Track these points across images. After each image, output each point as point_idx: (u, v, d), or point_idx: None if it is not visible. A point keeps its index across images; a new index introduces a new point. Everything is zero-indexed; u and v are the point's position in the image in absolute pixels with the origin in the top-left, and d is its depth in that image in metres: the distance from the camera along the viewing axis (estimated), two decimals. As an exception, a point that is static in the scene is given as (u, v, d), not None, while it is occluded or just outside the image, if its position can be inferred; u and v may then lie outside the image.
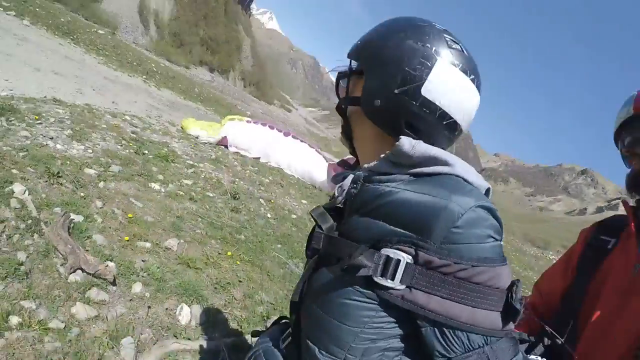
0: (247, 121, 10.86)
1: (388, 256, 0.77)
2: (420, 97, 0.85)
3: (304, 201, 8.24)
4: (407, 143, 0.84)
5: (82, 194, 3.70)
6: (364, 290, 0.82)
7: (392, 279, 0.77)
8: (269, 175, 9.14)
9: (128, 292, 2.71)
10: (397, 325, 0.83)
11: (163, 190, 4.90)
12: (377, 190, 0.85)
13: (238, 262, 3.96)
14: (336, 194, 0.96)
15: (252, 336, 1.36)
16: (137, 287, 2.78)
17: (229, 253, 4.06)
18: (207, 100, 20.60)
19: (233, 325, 2.99)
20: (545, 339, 1.28)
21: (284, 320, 1.26)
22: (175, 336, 2.52)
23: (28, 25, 13.14)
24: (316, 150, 11.45)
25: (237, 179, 7.30)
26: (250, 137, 10.37)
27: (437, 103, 0.86)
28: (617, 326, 1.19)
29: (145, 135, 7.37)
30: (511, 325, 0.77)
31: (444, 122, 0.88)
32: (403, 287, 0.77)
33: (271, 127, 11.07)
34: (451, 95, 0.86)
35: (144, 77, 15.84)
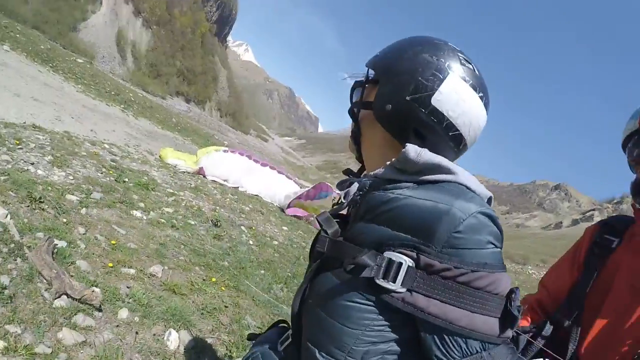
0: (224, 150, 10.95)
1: (390, 259, 0.79)
2: (430, 105, 0.89)
3: (284, 228, 8.22)
4: (412, 150, 0.86)
5: (64, 220, 3.63)
6: (366, 293, 0.83)
7: (394, 281, 0.78)
8: (248, 203, 9.11)
9: (114, 318, 2.64)
10: (397, 328, 0.84)
11: (145, 217, 4.84)
12: (382, 197, 0.87)
13: (223, 288, 3.91)
14: (342, 200, 0.98)
15: (248, 339, 1.36)
16: (124, 313, 2.71)
17: (214, 279, 4.01)
18: (185, 130, 20.54)
19: (222, 349, 2.93)
20: (548, 326, 1.33)
21: (281, 324, 1.26)
22: (165, 361, 2.47)
23: (8, 50, 13.03)
24: (293, 180, 11.55)
25: (217, 207, 7.25)
26: (226, 167, 10.41)
27: (445, 113, 0.90)
28: (627, 322, 1.24)
29: (125, 163, 7.30)
30: (509, 332, 0.78)
31: (450, 134, 0.92)
32: (404, 290, 0.78)
33: (248, 157, 11.18)
34: (459, 108, 0.90)
35: (122, 106, 15.74)
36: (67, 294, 2.48)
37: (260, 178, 10.88)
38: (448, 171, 0.86)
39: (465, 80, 0.90)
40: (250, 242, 6.05)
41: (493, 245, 0.79)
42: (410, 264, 0.78)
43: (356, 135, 1.08)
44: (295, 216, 9.83)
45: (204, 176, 10.00)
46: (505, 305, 0.77)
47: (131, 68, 44.36)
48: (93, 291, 2.57)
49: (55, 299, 2.44)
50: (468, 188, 0.86)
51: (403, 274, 0.77)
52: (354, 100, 1.08)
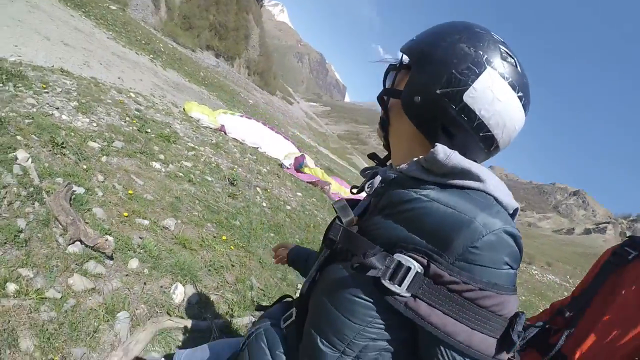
0: (240, 116, 11.19)
1: (400, 262, 0.78)
2: (462, 102, 0.84)
3: (299, 193, 8.28)
4: (442, 151, 0.82)
5: (84, 167, 3.71)
6: (372, 291, 0.83)
7: (400, 284, 0.77)
8: (266, 164, 9.17)
9: (124, 267, 2.74)
10: (397, 328, 0.85)
11: (163, 170, 4.92)
12: (405, 195, 0.85)
13: (232, 247, 4.00)
14: (366, 189, 0.98)
15: (256, 310, 1.40)
16: (134, 263, 2.81)
17: (224, 237, 4.10)
18: (211, 85, 20.46)
19: (224, 307, 3.03)
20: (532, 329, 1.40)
21: (286, 299, 1.28)
22: (169, 313, 2.56)
23: (41, -8, 13.01)
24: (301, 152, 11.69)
25: (235, 166, 7.32)
26: (244, 129, 10.60)
27: (478, 112, 0.84)
28: (627, 336, 1.26)
29: (149, 114, 7.36)
30: (503, 355, 0.76)
31: (481, 134, 0.87)
32: (408, 295, 0.77)
33: (263, 124, 11.48)
34: (494, 107, 0.84)
35: (151, 56, 15.70)
36: (81, 241, 2.57)
37: (275, 143, 11.08)
38: (477, 178, 0.81)
39: (504, 77, 0.84)
40: (264, 205, 6.13)
41: (509, 267, 0.76)
42: (419, 270, 0.77)
43: (384, 123, 1.03)
44: (310, 182, 9.89)
45: (225, 133, 10.07)
46: (507, 328, 0.75)
47: (164, 18, 43.90)
48: (106, 240, 2.65)
49: (69, 244, 2.53)
50: (495, 199, 0.81)
51: (410, 279, 0.77)
52: (386, 86, 1.03)
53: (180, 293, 2.79)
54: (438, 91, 0.85)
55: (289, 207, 6.79)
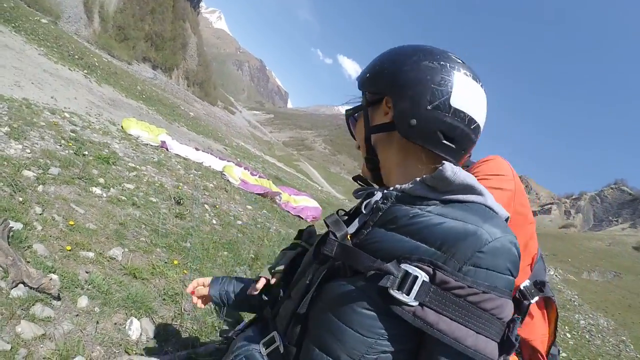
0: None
1: (407, 271, 0.80)
2: (451, 108, 0.92)
3: (249, 207, 8.18)
4: (449, 169, 0.88)
5: (20, 199, 3.48)
6: (380, 303, 0.84)
7: (408, 294, 0.79)
8: (212, 179, 9.00)
9: (74, 306, 2.58)
10: (405, 339, 0.86)
11: (104, 195, 4.70)
12: (410, 211, 0.89)
13: (185, 271, 3.88)
14: (363, 210, 0.99)
15: (220, 336, 1.37)
16: (83, 301, 2.65)
17: (176, 262, 3.97)
18: (150, 99, 19.85)
19: (185, 337, 2.92)
20: None
21: (253, 322, 1.27)
22: (127, 352, 2.43)
23: (-34, 9, 12.16)
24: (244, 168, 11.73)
25: (180, 184, 7.12)
26: (185, 148, 10.52)
27: (465, 110, 0.93)
28: None
29: (85, 134, 7.02)
30: (502, 358, 0.80)
31: (472, 127, 0.96)
32: (416, 303, 0.79)
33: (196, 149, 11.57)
34: (473, 101, 0.94)
35: (86, 71, 14.99)
36: (24, 283, 2.39)
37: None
38: (479, 193, 0.89)
39: (467, 75, 0.95)
40: (214, 222, 6.00)
41: (510, 273, 0.81)
42: (425, 279, 0.79)
43: (373, 162, 1.07)
44: (260, 194, 9.82)
45: (167, 150, 9.80)
46: (505, 332, 0.79)
47: (97, 30, 42.12)
48: (51, 279, 2.49)
49: (12, 288, 2.35)
50: (492, 210, 0.89)
51: (417, 287, 0.79)
52: (354, 130, 1.12)
53: (136, 328, 2.66)
54: (428, 107, 0.93)
55: (240, 222, 6.69)
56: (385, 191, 0.97)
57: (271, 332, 1.08)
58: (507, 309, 0.80)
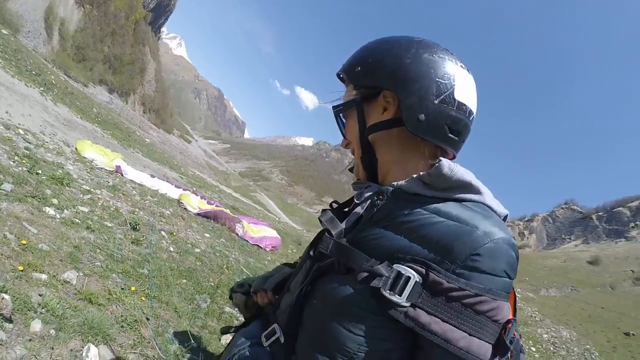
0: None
1: (399, 272, 0.78)
2: (455, 101, 0.91)
3: (206, 235, 8.01)
4: (446, 166, 0.85)
5: (-30, 215, 3.25)
6: (372, 303, 0.82)
7: (400, 294, 0.78)
8: (169, 206, 8.78)
9: (27, 330, 2.39)
10: (398, 338, 0.84)
11: (58, 216, 4.47)
12: (405, 208, 0.86)
13: (143, 298, 3.71)
14: (356, 200, 0.96)
15: (222, 333, 1.28)
16: (37, 325, 2.46)
17: (133, 288, 3.78)
18: (105, 122, 19.24)
19: (145, 367, 2.78)
20: None
21: (252, 318, 1.21)
22: (85, 380, 2.28)
23: None
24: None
25: (136, 209, 6.90)
26: (140, 175, 10.31)
27: (466, 103, 0.93)
28: None
29: (39, 153, 6.72)
30: None
31: (471, 118, 0.95)
32: (408, 304, 0.78)
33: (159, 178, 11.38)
34: (470, 92, 0.94)
35: (42, 89, 14.39)
36: (-26, 303, 2.21)
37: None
38: (477, 191, 0.87)
39: (462, 67, 0.94)
40: (171, 249, 5.82)
41: (506, 275, 0.79)
42: (418, 280, 0.78)
43: (370, 160, 1.02)
44: (219, 222, 9.66)
45: (122, 175, 9.51)
46: (500, 334, 0.77)
47: (56, 48, 40.79)
48: (3, 298, 2.32)
49: (-39, 308, 2.17)
50: (490, 208, 0.86)
51: (410, 288, 0.77)
52: (345, 128, 1.07)
53: (93, 356, 2.49)
54: (435, 101, 0.90)
55: (198, 250, 6.51)
56: (382, 188, 0.94)
57: (272, 324, 1.05)
58: (503, 312, 0.79)
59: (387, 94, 0.95)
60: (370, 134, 0.99)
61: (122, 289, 3.69)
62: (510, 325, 0.79)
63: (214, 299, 4.65)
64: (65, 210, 4.75)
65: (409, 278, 0.78)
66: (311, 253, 0.99)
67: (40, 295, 2.83)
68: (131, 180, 9.58)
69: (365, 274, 0.82)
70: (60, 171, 6.30)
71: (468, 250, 0.76)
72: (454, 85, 0.91)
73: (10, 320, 2.33)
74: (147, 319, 3.37)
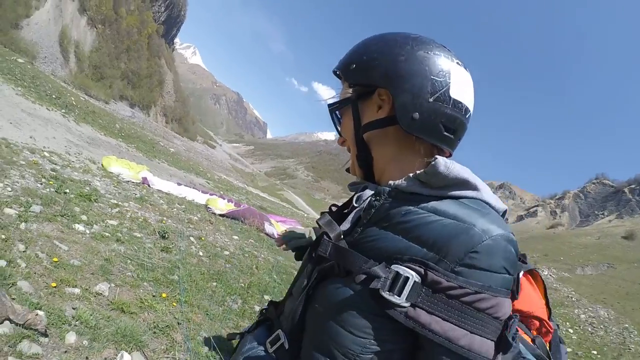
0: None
1: (397, 272, 0.78)
2: (451, 99, 0.89)
3: (235, 237, 8.10)
4: (442, 164, 0.84)
5: (2, 236, 3.40)
6: (372, 304, 0.82)
7: (399, 295, 0.77)
8: (197, 212, 8.92)
9: (62, 343, 2.49)
10: (400, 338, 0.84)
11: (88, 231, 4.61)
12: (403, 209, 0.86)
13: (174, 304, 3.80)
14: (354, 203, 0.95)
15: (228, 339, 1.29)
16: (71, 337, 2.56)
17: (164, 295, 3.89)
18: (129, 136, 19.72)
19: (178, 370, 2.85)
20: None
21: (259, 323, 1.21)
22: (120, 387, 2.36)
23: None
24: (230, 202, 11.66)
25: (164, 218, 7.04)
26: (167, 184, 10.50)
27: (462, 100, 0.91)
28: None
29: (66, 173, 6.93)
30: (500, 357, 0.77)
31: (467, 116, 0.93)
32: (408, 304, 0.78)
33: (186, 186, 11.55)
34: (466, 89, 0.93)
35: (63, 111, 14.85)
36: (9, 319, 2.31)
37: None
38: (474, 187, 0.86)
39: (458, 64, 0.93)
40: (201, 254, 5.92)
41: (506, 271, 0.78)
42: (417, 280, 0.77)
43: (366, 159, 1.00)
44: (248, 222, 9.79)
45: (149, 186, 9.72)
46: (502, 331, 0.77)
47: (74, 70, 42.14)
48: (37, 314, 2.41)
49: (-2, 325, 2.27)
50: (489, 204, 0.86)
51: (409, 288, 0.77)
52: (340, 125, 1.05)
53: (127, 362, 2.58)
54: (430, 99, 0.88)
55: (227, 253, 6.61)
56: (378, 188, 0.93)
57: (276, 330, 1.05)
58: (504, 308, 0.78)
59: (381, 92, 0.93)
60: (365, 132, 0.98)
61: (154, 296, 3.79)
62: (512, 321, 0.78)
63: (245, 299, 4.72)
64: (94, 225, 4.90)
65: (407, 278, 0.77)
66: (312, 256, 0.98)
67: (73, 308, 2.94)
68: (158, 190, 9.78)
69: (364, 276, 0.81)
70: (88, 188, 6.50)
71: (466, 248, 0.76)
72: (450, 82, 0.89)
73: (45, 335, 2.43)
74: (179, 324, 3.45)
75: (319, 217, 1.01)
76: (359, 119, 0.98)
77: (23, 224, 3.87)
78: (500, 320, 0.78)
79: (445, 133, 0.92)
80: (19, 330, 2.34)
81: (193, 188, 11.80)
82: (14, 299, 2.60)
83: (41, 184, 5.45)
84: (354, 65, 0.96)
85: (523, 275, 1.38)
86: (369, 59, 0.94)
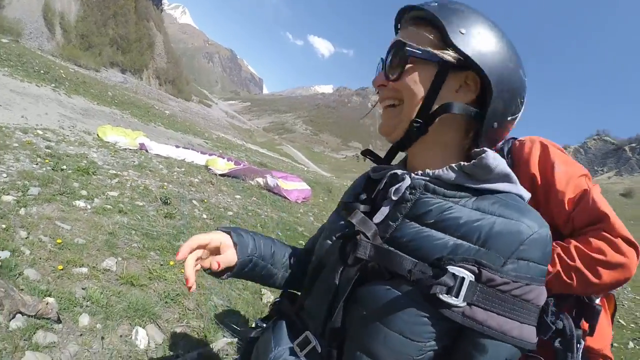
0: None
1: (454, 274, 0.77)
2: (514, 125, 0.92)
3: (237, 196, 8.15)
4: (492, 157, 0.84)
5: (3, 226, 3.40)
6: (427, 306, 0.81)
7: (456, 296, 0.77)
8: (197, 174, 8.92)
9: (76, 326, 2.55)
10: (446, 338, 0.84)
11: (89, 206, 4.62)
12: (443, 205, 0.84)
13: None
14: (392, 196, 0.89)
15: (239, 340, 1.24)
16: (85, 319, 2.61)
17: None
18: (122, 103, 19.35)
19: (193, 337, 2.93)
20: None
21: (268, 318, 1.18)
22: (137, 363, 2.43)
23: None
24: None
25: (165, 183, 7.05)
26: (165, 148, 10.42)
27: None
28: None
29: (61, 148, 6.87)
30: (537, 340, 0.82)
31: None
32: (464, 304, 0.78)
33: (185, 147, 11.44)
34: None
35: (53, 85, 14.51)
36: (21, 312, 2.35)
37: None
38: (513, 181, 0.87)
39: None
40: (204, 216, 5.97)
41: (545, 262, 0.82)
42: (472, 279, 0.77)
43: (419, 129, 0.89)
44: (234, 176, 9.88)
45: (147, 151, 9.67)
46: (541, 315, 0.82)
47: (60, 42, 41.18)
48: (47, 303, 2.45)
49: (10, 320, 2.30)
50: (522, 197, 0.87)
51: (465, 288, 0.77)
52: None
53: (142, 337, 2.65)
54: (509, 118, 0.89)
55: (231, 213, 6.67)
56: (414, 177, 0.89)
57: (302, 331, 1.00)
58: (543, 295, 0.82)
59: (473, 77, 0.86)
60: (441, 105, 0.87)
61: (161, 265, 3.85)
62: (547, 305, 0.84)
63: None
64: (95, 199, 4.90)
65: (463, 278, 0.77)
66: (344, 254, 0.92)
67: (83, 289, 2.98)
68: (157, 154, 9.74)
69: (418, 279, 0.79)
70: (85, 161, 6.46)
71: (516, 242, 0.78)
72: (521, 110, 0.91)
73: (59, 321, 2.48)
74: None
75: (345, 212, 0.96)
76: (438, 89, 0.87)
77: (22, 209, 3.86)
78: (539, 306, 0.81)
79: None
80: (32, 321, 2.39)
81: (192, 149, 11.73)
82: (22, 289, 2.63)
83: (37, 164, 5.41)
84: (464, 31, 0.84)
85: (600, 300, 1.33)
86: (486, 39, 0.85)
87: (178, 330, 2.95)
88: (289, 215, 8.01)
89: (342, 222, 1.00)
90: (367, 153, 1.07)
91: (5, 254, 2.95)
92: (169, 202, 5.87)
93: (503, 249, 0.78)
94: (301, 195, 10.37)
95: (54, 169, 5.42)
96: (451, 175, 0.87)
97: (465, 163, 0.86)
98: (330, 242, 1.00)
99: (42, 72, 16.57)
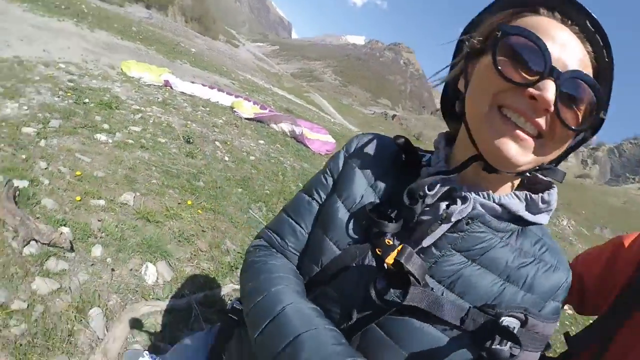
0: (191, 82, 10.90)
1: (507, 325, 0.74)
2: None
3: (261, 141, 8.08)
4: (554, 192, 0.81)
5: (23, 156, 3.44)
6: (476, 351, 0.77)
7: (505, 345, 0.75)
8: (222, 115, 8.84)
9: (88, 256, 2.60)
10: None
11: (110, 140, 4.63)
12: (490, 239, 0.76)
13: (200, 211, 3.88)
14: (454, 218, 0.75)
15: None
16: (97, 250, 2.66)
17: (189, 202, 3.96)
18: (147, 39, 19.04)
19: (201, 278, 2.97)
20: None
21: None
22: (144, 298, 2.47)
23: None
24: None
25: (188, 122, 7.01)
26: (190, 86, 10.26)
27: None
28: None
29: (84, 82, 6.84)
30: None
31: None
32: (507, 348, 0.76)
33: (211, 87, 11.09)
34: None
35: (75, 20, 14.27)
36: (35, 240, 2.39)
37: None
38: (551, 211, 0.83)
39: None
40: (226, 159, 5.95)
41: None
42: (518, 326, 0.75)
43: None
44: (259, 120, 9.75)
45: (172, 88, 9.59)
46: None
47: (81, -26, 40.60)
48: (61, 234, 2.48)
49: (24, 246, 2.36)
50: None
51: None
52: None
53: (152, 273, 2.69)
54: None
55: (253, 158, 6.63)
56: (476, 200, 0.76)
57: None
58: None
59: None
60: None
61: (179, 203, 3.87)
62: None
63: (269, 206, 4.79)
64: (117, 134, 4.91)
65: (514, 328, 0.75)
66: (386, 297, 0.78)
67: (99, 220, 3.02)
68: (181, 92, 9.65)
69: (471, 330, 0.75)
70: (108, 95, 6.44)
71: (555, 289, 0.79)
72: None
73: (71, 250, 2.52)
74: (203, 232, 3.54)
75: (392, 249, 0.75)
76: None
77: (42, 140, 3.89)
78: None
79: None
80: (46, 249, 2.44)
81: (218, 90, 11.59)
82: (38, 217, 2.67)
83: (58, 97, 5.40)
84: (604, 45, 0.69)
85: None
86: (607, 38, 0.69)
87: (188, 270, 2.98)
88: (311, 167, 7.93)
89: (366, 242, 0.82)
90: (406, 147, 0.87)
91: (24, 183, 2.99)
92: (191, 141, 5.86)
93: (544, 293, 0.78)
94: (324, 147, 10.23)
95: (76, 102, 5.42)
96: (515, 205, 0.78)
97: (533, 195, 0.80)
98: (354, 266, 0.82)
99: (62, 7, 16.34)
